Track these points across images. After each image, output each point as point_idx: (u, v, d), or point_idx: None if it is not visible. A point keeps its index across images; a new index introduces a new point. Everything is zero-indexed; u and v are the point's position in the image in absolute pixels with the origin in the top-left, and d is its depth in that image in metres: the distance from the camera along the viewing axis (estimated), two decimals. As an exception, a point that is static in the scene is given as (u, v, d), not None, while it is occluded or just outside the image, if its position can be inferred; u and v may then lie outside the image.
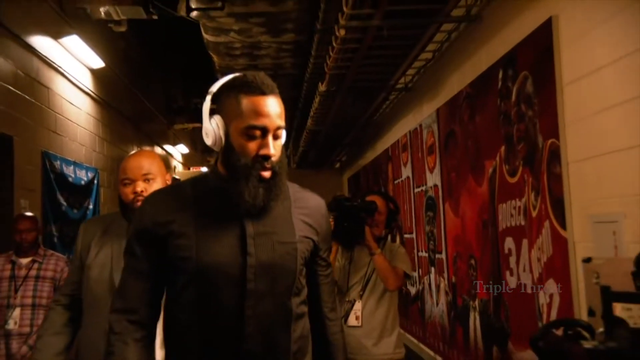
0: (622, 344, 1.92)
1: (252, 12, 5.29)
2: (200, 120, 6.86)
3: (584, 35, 2.81)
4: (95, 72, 6.16)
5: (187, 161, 12.81)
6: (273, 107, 1.64)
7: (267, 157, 1.62)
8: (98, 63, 5.97)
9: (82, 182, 5.98)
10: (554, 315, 3.12)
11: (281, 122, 1.66)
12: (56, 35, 5.15)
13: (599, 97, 2.70)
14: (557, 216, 3.09)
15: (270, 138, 1.63)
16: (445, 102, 4.98)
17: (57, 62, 5.18)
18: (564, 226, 3.02)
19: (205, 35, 5.79)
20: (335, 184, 12.18)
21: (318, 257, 1.84)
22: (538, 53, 3.22)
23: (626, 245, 2.50)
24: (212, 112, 1.67)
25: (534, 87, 3.31)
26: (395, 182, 7.12)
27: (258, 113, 1.61)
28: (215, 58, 6.44)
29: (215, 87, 1.70)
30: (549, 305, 3.20)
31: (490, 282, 4.11)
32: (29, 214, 4.12)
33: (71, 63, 5.56)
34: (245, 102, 1.62)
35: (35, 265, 4.06)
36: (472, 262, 4.47)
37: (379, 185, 8.16)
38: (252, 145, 1.62)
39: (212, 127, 1.66)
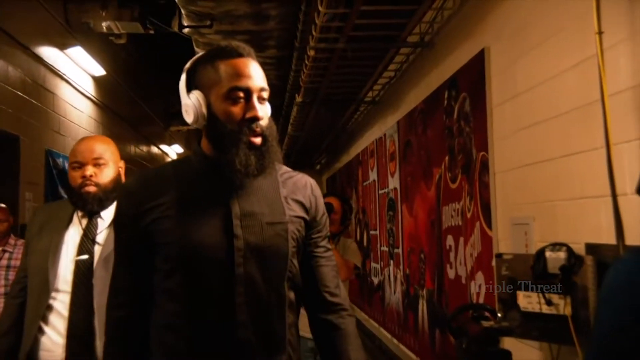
0: (513, 323, 2.15)
1: (237, 30, 5.42)
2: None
3: (509, 65, 3.01)
4: (96, 79, 6.30)
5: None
6: (254, 68, 1.42)
7: (254, 119, 1.39)
8: (100, 71, 6.11)
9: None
10: (481, 302, 3.34)
11: (264, 84, 1.43)
12: (62, 46, 5.30)
13: (518, 119, 2.91)
14: (485, 218, 3.30)
15: (255, 100, 1.40)
16: (405, 115, 5.18)
17: (62, 70, 5.33)
18: (490, 227, 3.23)
19: (196, 49, 5.93)
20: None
21: (314, 238, 1.57)
22: (474, 78, 3.43)
23: (534, 244, 2.70)
24: (189, 90, 1.44)
25: (470, 107, 3.52)
26: (364, 184, 7.32)
27: (239, 74, 1.39)
28: (205, 69, 6.58)
29: (189, 63, 1.47)
30: (478, 294, 3.42)
31: (435, 274, 4.33)
32: (1, 205, 3.98)
33: (75, 71, 5.70)
34: (223, 66, 1.40)
35: (6, 255, 3.92)
36: (422, 256, 4.68)
37: (351, 187, 8.36)
38: (237, 110, 1.39)
39: (191, 102, 1.41)
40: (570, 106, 2.38)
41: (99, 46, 6.06)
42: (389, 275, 5.97)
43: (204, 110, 1.40)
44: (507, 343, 2.89)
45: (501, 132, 3.13)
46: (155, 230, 1.41)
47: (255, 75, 1.41)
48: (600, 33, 1.97)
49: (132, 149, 8.35)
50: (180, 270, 1.40)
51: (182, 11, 4.87)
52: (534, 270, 2.37)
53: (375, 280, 6.67)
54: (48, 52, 5.04)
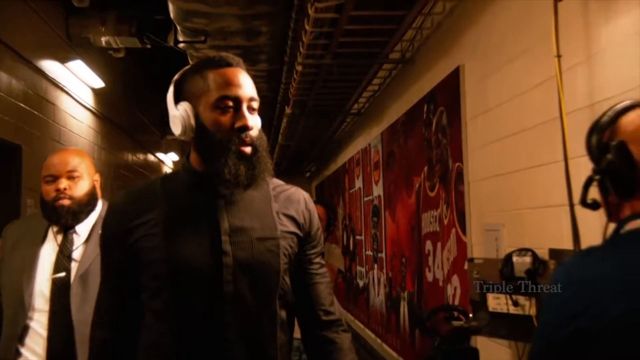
0: (481, 323, 2.23)
1: (230, 45, 5.48)
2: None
3: (481, 82, 3.11)
4: (96, 91, 6.35)
5: (177, 167, 12.97)
6: (243, 78, 1.33)
7: (244, 129, 1.30)
8: (99, 83, 6.16)
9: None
10: (457, 303, 3.42)
11: (254, 93, 1.34)
12: (63, 60, 5.35)
13: (489, 132, 3.01)
14: (460, 224, 3.39)
15: (244, 109, 1.31)
16: (388, 127, 5.28)
17: (62, 82, 5.38)
18: (465, 232, 3.32)
19: (191, 62, 6.01)
20: (305, 191, 12.38)
21: (309, 255, 1.46)
22: (450, 93, 3.53)
23: (504, 249, 2.79)
24: (177, 102, 1.35)
25: (447, 120, 3.62)
26: (350, 191, 7.41)
27: (228, 83, 1.31)
28: (200, 82, 6.65)
29: (177, 75, 1.39)
30: (454, 296, 3.50)
31: (415, 277, 4.41)
32: None
33: (75, 83, 5.75)
34: (212, 75, 1.32)
35: None
36: (403, 260, 4.76)
37: (338, 194, 8.44)
38: (226, 119, 1.30)
39: (178, 113, 1.32)
40: (535, 122, 2.48)
41: (99, 59, 6.11)
42: (373, 278, 6.04)
43: (192, 121, 1.31)
44: (481, 342, 2.98)
45: (474, 144, 3.22)
46: (142, 248, 1.32)
47: (245, 85, 1.32)
48: (559, 56, 2.06)
49: (130, 157, 8.39)
50: (167, 288, 1.30)
51: (178, 27, 4.93)
52: (502, 273, 2.46)
53: (361, 283, 6.75)
54: (50, 66, 5.09)
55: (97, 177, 2.08)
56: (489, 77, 3.01)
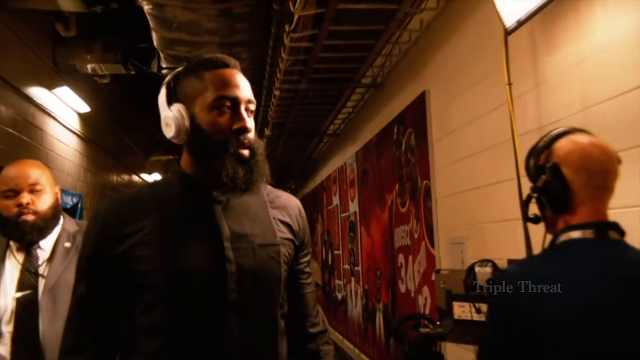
0: (446, 329, 2.34)
1: None
2: (174, 152, 7.22)
3: (445, 106, 3.26)
4: (82, 116, 6.39)
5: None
6: (241, 79, 1.25)
7: (243, 130, 1.21)
8: (85, 108, 6.20)
9: (68, 206, 6.17)
10: (427, 312, 3.53)
11: (251, 96, 1.26)
12: (50, 86, 5.40)
13: (453, 152, 3.15)
14: (429, 238, 3.51)
15: (243, 111, 1.23)
16: (362, 147, 5.41)
17: (49, 108, 5.42)
18: (433, 246, 3.44)
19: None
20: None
21: (299, 264, 1.40)
22: (418, 116, 3.67)
23: (468, 260, 2.90)
24: (169, 104, 1.25)
25: (415, 141, 3.75)
26: (328, 208, 7.50)
27: (226, 83, 1.22)
28: (182, 105, 6.74)
29: (169, 77, 1.29)
30: (424, 306, 3.61)
31: (389, 289, 4.51)
32: None
33: (62, 109, 5.79)
34: (209, 75, 1.23)
35: None
36: (378, 273, 4.86)
37: (317, 210, 8.54)
38: (224, 120, 1.21)
39: (172, 114, 1.22)
40: (492, 143, 2.62)
41: (84, 85, 6.16)
42: (350, 291, 6.13)
43: (187, 122, 1.22)
44: (450, 348, 3.08)
45: (440, 163, 3.36)
46: (134, 258, 1.18)
47: (243, 86, 1.24)
48: (510, 84, 2.20)
49: (115, 178, 8.40)
50: (163, 300, 1.18)
51: (161, 54, 5.01)
52: (466, 283, 2.57)
53: (339, 296, 6.82)
54: (37, 92, 5.14)
55: (57, 189, 1.94)
56: (451, 101, 3.16)
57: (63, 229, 1.92)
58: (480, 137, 2.76)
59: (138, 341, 1.21)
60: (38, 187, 1.84)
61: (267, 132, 6.19)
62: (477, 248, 2.85)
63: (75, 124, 6.25)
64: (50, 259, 1.84)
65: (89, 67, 5.71)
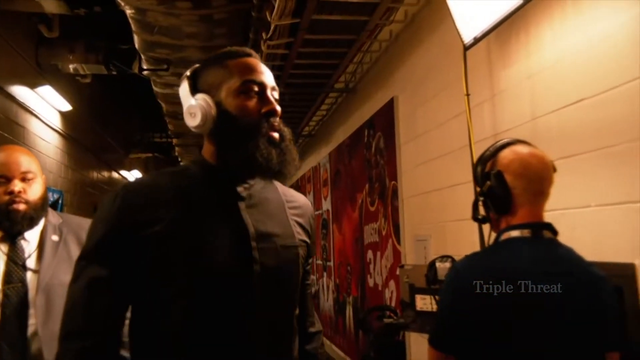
0: (408, 320, 2.46)
1: None
2: (154, 150, 7.24)
3: (412, 112, 3.38)
4: (63, 114, 6.37)
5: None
6: (264, 67, 1.23)
7: (272, 113, 1.17)
8: (66, 107, 6.19)
9: (49, 202, 6.16)
10: (393, 305, 3.66)
11: (275, 84, 1.23)
12: (32, 85, 5.39)
13: (418, 155, 3.28)
14: (396, 236, 3.64)
15: (270, 95, 1.20)
16: (335, 148, 5.51)
17: (32, 106, 5.41)
18: (399, 243, 3.57)
19: (155, 88, 6.10)
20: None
21: (309, 265, 1.37)
22: (387, 121, 3.80)
23: (431, 256, 3.04)
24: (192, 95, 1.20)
25: (384, 144, 3.88)
26: (303, 206, 7.58)
27: (251, 69, 1.19)
28: (163, 105, 6.75)
29: (189, 71, 1.24)
30: (391, 299, 3.74)
31: (359, 283, 4.64)
32: None
33: (44, 107, 5.78)
34: (233, 63, 1.20)
35: None
36: (349, 268, 4.98)
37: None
38: (252, 104, 1.17)
39: (197, 102, 1.17)
40: (452, 148, 2.76)
41: (66, 84, 6.15)
42: (323, 285, 6.24)
43: (213, 110, 1.17)
44: (414, 337, 3.22)
45: (407, 165, 3.49)
46: (155, 247, 1.09)
47: (267, 73, 1.22)
48: (468, 95, 2.33)
49: (95, 174, 8.38)
50: (185, 295, 1.09)
51: (142, 56, 5.05)
52: (427, 277, 2.70)
53: (313, 290, 6.92)
54: (20, 91, 5.13)
55: (44, 177, 1.81)
56: (417, 108, 3.29)
57: (48, 221, 1.79)
58: (442, 142, 2.90)
59: (155, 339, 1.11)
60: (30, 176, 1.71)
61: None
62: (439, 245, 2.99)
63: (56, 122, 6.24)
64: (40, 254, 1.70)
65: (71, 67, 5.71)
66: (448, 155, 2.83)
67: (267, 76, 1.21)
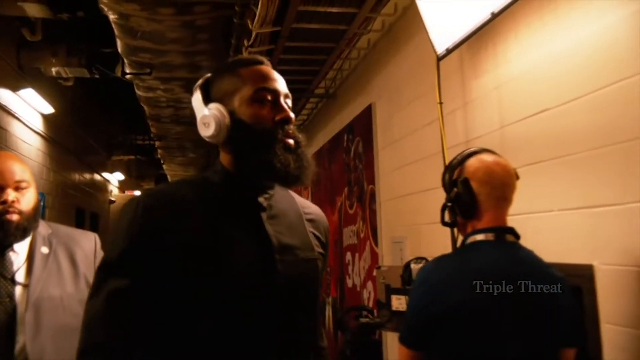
0: (383, 319, 2.53)
1: (174, 77, 5.58)
2: (136, 152, 7.22)
3: (388, 118, 3.46)
4: (46, 117, 6.34)
5: (122, 186, 12.84)
6: (277, 74, 1.20)
7: (286, 121, 1.15)
8: (49, 109, 6.15)
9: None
10: (370, 305, 3.73)
11: (288, 91, 1.21)
12: (15, 88, 5.36)
13: (395, 160, 3.35)
14: (373, 238, 3.71)
15: (283, 102, 1.17)
16: (315, 152, 5.56)
17: (14, 109, 5.38)
18: (377, 244, 3.64)
19: (137, 92, 6.09)
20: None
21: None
22: (365, 126, 3.87)
23: (407, 258, 3.11)
24: (205, 104, 1.18)
25: (363, 148, 3.95)
26: (284, 208, 7.63)
27: (264, 77, 1.17)
28: (146, 108, 6.75)
29: (201, 80, 1.23)
30: (368, 299, 3.81)
31: (338, 284, 4.70)
32: None
33: (26, 110, 5.75)
34: (246, 71, 1.17)
35: None
36: (328, 269, 5.05)
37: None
38: (265, 111, 1.15)
39: (210, 112, 1.14)
40: (427, 153, 2.84)
41: (49, 87, 6.12)
42: (303, 286, 6.28)
43: (227, 119, 1.14)
44: (390, 336, 3.29)
45: (384, 169, 3.56)
46: (181, 257, 1.05)
47: (280, 80, 1.20)
48: (441, 103, 2.41)
49: (77, 177, 8.33)
50: (213, 307, 1.05)
51: (125, 60, 5.05)
52: (402, 278, 2.77)
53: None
54: (2, 94, 5.10)
55: (35, 187, 1.72)
56: (394, 114, 3.37)
57: (37, 232, 1.69)
58: (417, 148, 2.98)
59: (175, 349, 1.06)
60: (23, 185, 1.61)
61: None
62: (414, 247, 3.06)
63: (38, 124, 6.21)
64: (29, 267, 1.60)
65: (54, 70, 5.68)
66: (422, 160, 2.91)
67: (279, 83, 1.19)
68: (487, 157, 1.51)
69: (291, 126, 1.17)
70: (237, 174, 1.17)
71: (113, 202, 11.64)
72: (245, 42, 3.62)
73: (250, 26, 3.28)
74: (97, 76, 5.95)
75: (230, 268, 1.06)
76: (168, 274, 1.04)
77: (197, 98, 1.21)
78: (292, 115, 1.17)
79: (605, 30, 1.64)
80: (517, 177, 1.51)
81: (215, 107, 1.15)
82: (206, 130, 1.16)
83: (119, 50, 4.79)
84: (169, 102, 6.45)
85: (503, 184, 1.47)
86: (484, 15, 2.02)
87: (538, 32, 1.96)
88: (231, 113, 1.15)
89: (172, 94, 6.12)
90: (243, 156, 1.15)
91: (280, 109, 1.16)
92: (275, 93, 1.17)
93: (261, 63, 1.21)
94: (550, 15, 1.88)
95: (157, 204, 1.09)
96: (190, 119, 6.97)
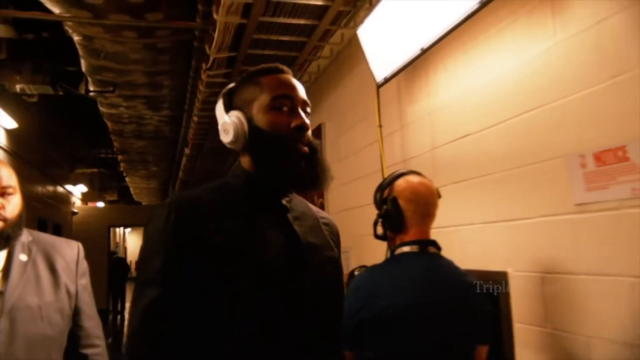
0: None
1: (137, 95, 5.55)
2: (99, 166, 7.10)
3: (336, 138, 3.57)
4: (9, 131, 6.19)
5: (85, 198, 12.54)
6: (296, 82, 1.17)
7: (301, 128, 1.12)
8: (12, 124, 6.02)
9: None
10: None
11: (307, 98, 1.18)
12: (-23, 104, 5.25)
13: (342, 176, 3.46)
14: (323, 247, 3.79)
15: (300, 110, 1.14)
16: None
17: (-23, 124, 5.27)
18: (326, 254, 3.72)
19: (101, 108, 6.02)
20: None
21: None
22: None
23: (352, 266, 3.21)
24: (226, 112, 1.16)
25: (314, 164, 4.04)
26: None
27: (282, 84, 1.14)
28: (109, 124, 6.67)
29: (225, 89, 1.21)
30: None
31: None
32: None
33: (-11, 124, 5.63)
34: (266, 80, 1.14)
35: None
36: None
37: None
38: (282, 118, 1.11)
39: (230, 120, 1.13)
40: (369, 171, 2.95)
41: (12, 103, 5.99)
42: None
43: (245, 126, 1.12)
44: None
45: (333, 184, 3.58)
46: (219, 262, 1.00)
47: (299, 88, 1.17)
48: (380, 126, 2.54)
49: (40, 189, 8.12)
50: (253, 312, 1.00)
51: (89, 79, 5.01)
52: (347, 285, 2.87)
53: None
54: (-35, 109, 4.99)
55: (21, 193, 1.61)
56: (341, 135, 3.48)
57: (21, 241, 1.57)
58: (361, 166, 3.10)
59: (213, 350, 1.01)
60: (10, 190, 1.49)
61: (187, 151, 6.28)
62: (359, 256, 3.16)
63: (1, 139, 6.06)
64: (5, 274, 1.49)
65: (18, 87, 5.56)
66: (364, 177, 3.03)
67: (298, 91, 1.16)
68: (413, 179, 1.62)
69: (306, 133, 1.14)
70: (259, 177, 1.13)
71: (76, 213, 11.36)
72: (204, 65, 3.67)
73: (208, 51, 3.34)
74: (61, 93, 5.86)
75: (269, 267, 1.04)
76: (205, 279, 1.00)
77: (219, 106, 1.20)
78: (307, 122, 1.14)
79: (519, 66, 1.79)
80: (439, 196, 1.63)
81: (234, 115, 1.13)
82: (226, 137, 1.15)
83: (83, 69, 4.76)
84: (132, 118, 6.39)
85: (427, 203, 1.58)
86: (414, 50, 2.15)
87: (463, 66, 2.10)
88: (249, 120, 1.12)
89: (135, 111, 6.08)
90: (260, 162, 1.12)
91: (296, 115, 1.13)
92: (293, 100, 1.14)
93: (281, 72, 1.18)
94: (473, 50, 2.03)
95: (188, 208, 1.05)
96: (152, 134, 6.93)
